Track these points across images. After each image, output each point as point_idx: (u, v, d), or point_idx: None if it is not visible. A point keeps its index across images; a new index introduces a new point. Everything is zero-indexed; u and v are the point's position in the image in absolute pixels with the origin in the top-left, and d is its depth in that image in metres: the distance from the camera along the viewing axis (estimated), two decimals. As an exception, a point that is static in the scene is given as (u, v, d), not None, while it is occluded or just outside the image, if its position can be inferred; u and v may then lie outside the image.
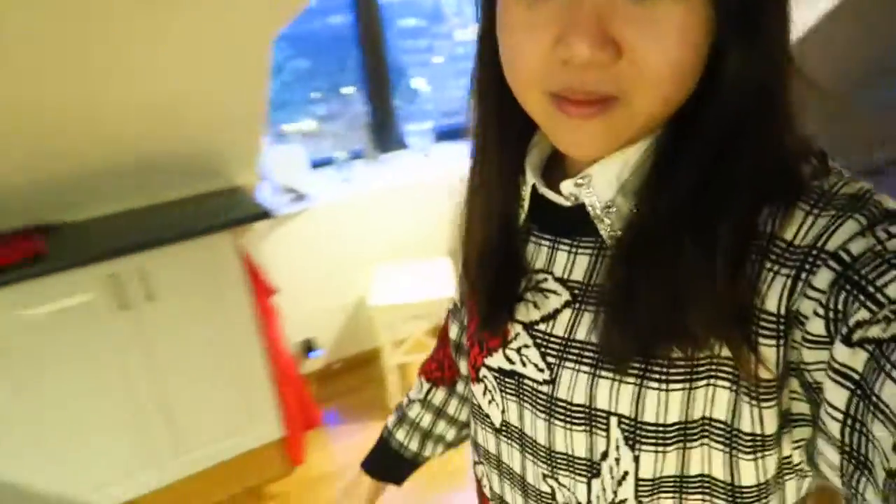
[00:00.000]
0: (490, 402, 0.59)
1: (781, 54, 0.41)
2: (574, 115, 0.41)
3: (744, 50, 0.40)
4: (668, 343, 0.43)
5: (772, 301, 0.41)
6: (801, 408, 0.42)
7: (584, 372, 0.48)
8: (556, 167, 0.55)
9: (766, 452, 0.44)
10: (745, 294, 0.41)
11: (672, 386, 0.45)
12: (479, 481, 0.67)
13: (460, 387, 0.79)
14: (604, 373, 0.47)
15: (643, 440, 0.46)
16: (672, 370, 0.44)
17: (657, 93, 0.40)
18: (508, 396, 0.56)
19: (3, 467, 1.72)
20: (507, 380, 0.56)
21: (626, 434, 0.47)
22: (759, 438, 0.44)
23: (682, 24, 0.38)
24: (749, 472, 0.45)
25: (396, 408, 0.84)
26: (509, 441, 0.57)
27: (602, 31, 0.38)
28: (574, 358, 0.49)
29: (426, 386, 0.81)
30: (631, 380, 0.46)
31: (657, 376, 0.45)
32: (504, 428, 0.58)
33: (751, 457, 0.45)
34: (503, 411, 0.57)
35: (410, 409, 0.81)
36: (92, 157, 1.79)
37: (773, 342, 0.41)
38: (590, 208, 0.48)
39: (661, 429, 0.46)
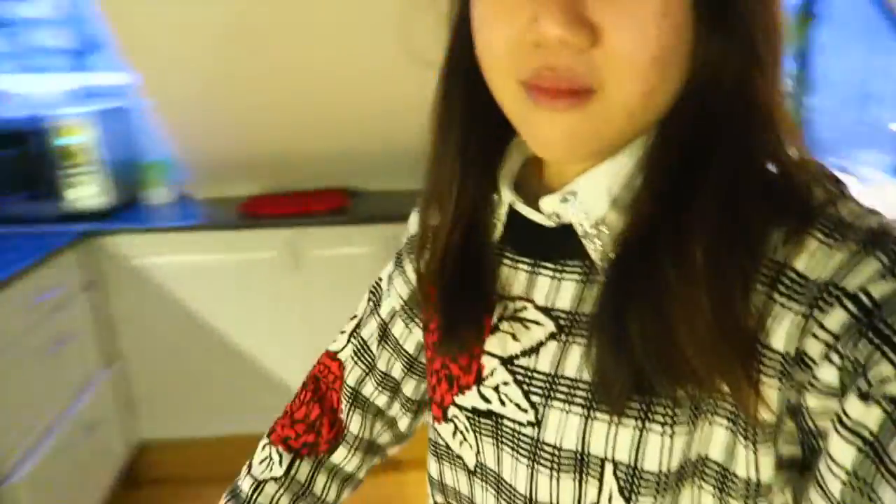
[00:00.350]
0: (462, 443, 0.52)
1: (768, 53, 0.38)
2: (546, 107, 0.38)
3: (722, 40, 0.37)
4: (671, 381, 0.39)
5: (778, 338, 0.37)
6: (793, 451, 0.39)
7: (576, 413, 0.43)
8: (534, 181, 0.50)
9: (759, 501, 0.40)
10: (749, 327, 0.37)
11: (678, 429, 0.40)
12: None
13: (338, 455, 0.65)
14: (599, 414, 0.42)
15: (641, 489, 0.42)
16: (678, 410, 0.40)
17: (636, 84, 0.37)
18: (484, 438, 0.50)
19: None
20: (482, 420, 0.49)
21: (623, 483, 0.42)
22: (753, 485, 0.39)
23: (662, 7, 0.35)
24: None
25: (228, 492, 0.65)
26: (484, 484, 0.51)
27: (577, 13, 0.35)
28: (563, 397, 0.44)
29: (286, 457, 0.64)
30: (630, 422, 0.41)
31: (660, 418, 0.40)
32: (478, 471, 0.51)
33: (743, 501, 0.40)
34: (478, 453, 0.51)
35: (260, 491, 0.63)
36: (395, 139, 2.19)
37: (777, 382, 0.37)
38: (577, 227, 0.44)
39: (663, 477, 0.41)
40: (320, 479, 0.65)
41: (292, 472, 0.64)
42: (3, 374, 1.60)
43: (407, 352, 0.63)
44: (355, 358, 0.65)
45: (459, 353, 0.51)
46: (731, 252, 0.37)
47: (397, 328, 0.63)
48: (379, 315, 0.65)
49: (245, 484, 0.64)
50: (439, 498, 0.58)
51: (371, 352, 0.65)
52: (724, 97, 0.38)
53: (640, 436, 0.41)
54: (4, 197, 2.04)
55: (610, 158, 0.42)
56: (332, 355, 0.68)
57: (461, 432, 0.52)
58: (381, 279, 0.66)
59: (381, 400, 0.65)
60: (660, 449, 0.41)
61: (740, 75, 0.37)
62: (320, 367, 0.68)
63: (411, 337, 0.63)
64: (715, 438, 0.40)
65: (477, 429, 0.50)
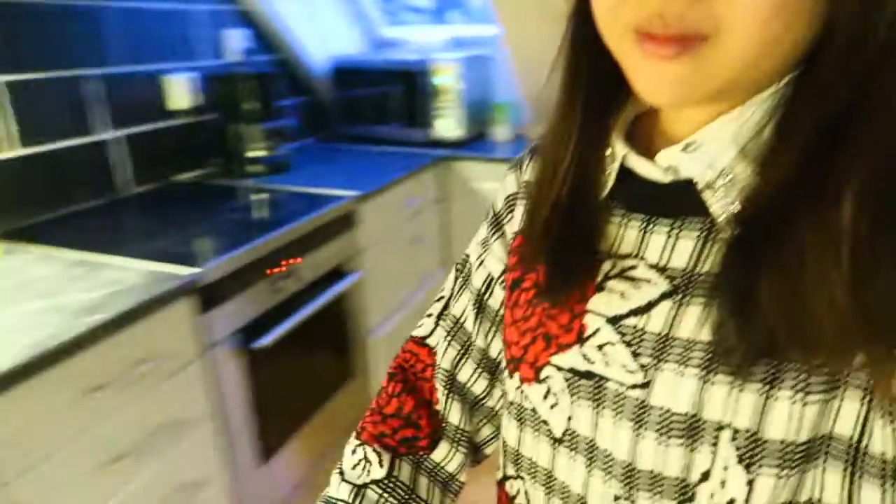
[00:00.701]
0: (553, 406, 0.50)
1: None
2: (653, 56, 0.36)
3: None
4: (802, 349, 0.37)
5: None
6: None
7: (691, 376, 0.41)
8: (648, 137, 0.48)
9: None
10: (890, 292, 0.34)
11: (810, 398, 0.37)
12: (510, 499, 0.57)
13: (440, 452, 0.60)
14: (719, 377, 0.40)
15: (763, 460, 0.39)
16: (813, 378, 0.37)
17: (756, 32, 0.34)
18: (581, 401, 0.48)
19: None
20: (581, 381, 0.47)
21: (742, 452, 0.39)
22: (890, 463, 0.36)
23: None
24: (873, 503, 0.37)
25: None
26: (572, 454, 0.49)
27: None
28: (676, 358, 0.42)
29: (385, 457, 0.58)
30: (755, 386, 0.39)
31: (792, 383, 0.38)
32: (567, 438, 0.49)
33: (878, 482, 0.37)
34: (570, 418, 0.49)
35: (362, 497, 0.57)
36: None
37: None
38: (699, 180, 0.42)
39: (789, 448, 0.38)
40: (422, 482, 0.60)
41: (395, 472, 0.58)
42: (381, 257, 2.13)
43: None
44: (449, 338, 0.62)
45: (560, 308, 0.49)
46: (883, 221, 0.34)
47: (496, 298, 0.60)
48: (472, 287, 0.61)
49: (342, 491, 0.57)
50: (511, 470, 0.56)
51: (466, 330, 0.61)
52: (870, 50, 0.34)
53: (766, 401, 0.38)
54: (391, 123, 2.61)
55: (738, 107, 0.40)
56: (418, 341, 0.64)
57: (554, 394, 0.50)
58: (467, 254, 0.63)
59: (479, 386, 0.61)
60: (787, 417, 0.38)
61: (890, 26, 0.33)
62: (406, 356, 0.64)
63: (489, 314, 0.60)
64: (845, 414, 0.37)
65: (575, 391, 0.48)
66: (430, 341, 0.64)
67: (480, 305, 0.60)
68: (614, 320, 0.46)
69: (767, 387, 0.38)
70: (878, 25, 0.33)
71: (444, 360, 0.61)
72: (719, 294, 0.40)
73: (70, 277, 1.29)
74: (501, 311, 0.59)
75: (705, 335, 0.41)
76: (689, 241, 0.43)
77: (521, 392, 0.53)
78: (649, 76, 0.38)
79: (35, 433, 1.04)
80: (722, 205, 0.41)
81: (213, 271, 1.37)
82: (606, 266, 0.47)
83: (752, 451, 0.39)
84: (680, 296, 0.43)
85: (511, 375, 0.54)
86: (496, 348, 0.61)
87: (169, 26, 2.02)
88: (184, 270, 1.32)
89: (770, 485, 0.39)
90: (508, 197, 0.60)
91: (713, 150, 0.41)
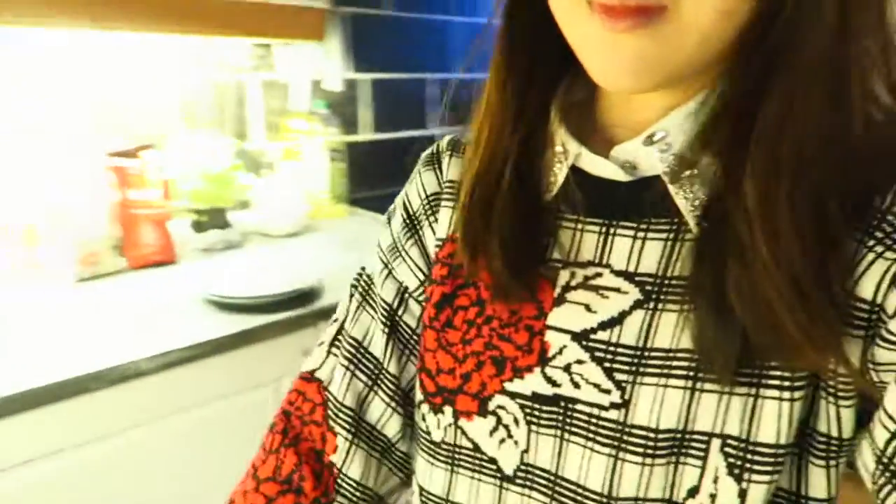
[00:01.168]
0: (502, 441, 0.43)
1: None
2: (608, 28, 0.33)
3: None
4: (769, 345, 0.35)
5: (867, 286, 0.34)
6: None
7: (676, 387, 0.38)
8: (594, 126, 0.43)
9: (840, 460, 0.37)
10: (835, 283, 0.34)
11: (797, 394, 0.36)
12: None
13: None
14: (707, 385, 0.37)
15: (756, 467, 0.36)
16: (797, 372, 0.36)
17: (713, 3, 0.32)
18: (542, 430, 0.42)
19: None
20: (544, 408, 0.42)
21: (732, 461, 0.36)
22: (834, 442, 0.37)
23: None
24: (819, 482, 0.37)
25: None
26: (527, 492, 0.43)
27: None
28: (657, 371, 0.38)
29: None
30: (743, 390, 0.36)
31: (776, 382, 0.36)
32: (521, 475, 0.43)
33: (822, 462, 0.37)
34: (525, 451, 0.43)
35: None
36: None
37: (862, 333, 0.34)
38: (664, 175, 0.38)
39: (780, 450, 0.36)
40: None
41: None
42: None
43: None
44: (350, 367, 0.51)
45: (514, 326, 0.43)
46: (816, 203, 0.33)
47: (412, 314, 0.51)
48: (379, 303, 0.51)
49: None
50: None
51: (372, 355, 0.51)
52: (805, 28, 0.32)
53: (754, 403, 0.36)
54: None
55: (694, 95, 0.38)
56: (306, 376, 0.53)
57: (505, 426, 0.43)
58: (363, 267, 0.55)
59: (392, 426, 0.51)
60: (777, 416, 0.36)
61: (819, 8, 0.32)
62: (290, 397, 0.53)
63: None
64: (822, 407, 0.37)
65: (535, 420, 0.42)
66: (320, 374, 0.52)
67: (392, 324, 0.51)
68: (582, 336, 0.41)
69: (755, 388, 0.36)
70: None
71: (346, 395, 0.50)
72: (694, 299, 0.37)
73: (395, 240, 1.53)
74: (419, 331, 0.50)
75: (686, 343, 0.37)
76: (657, 243, 0.39)
77: (456, 429, 0.45)
78: (604, 52, 0.35)
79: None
80: (690, 202, 0.38)
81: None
82: (564, 276, 0.42)
83: (743, 458, 0.36)
84: (653, 304, 0.39)
85: (436, 411, 0.46)
86: (407, 377, 0.51)
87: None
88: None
89: (762, 492, 0.36)
90: (429, 196, 0.51)
91: (678, 142, 0.38)
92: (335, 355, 0.52)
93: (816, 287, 0.33)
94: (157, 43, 1.49)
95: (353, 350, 0.51)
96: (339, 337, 0.53)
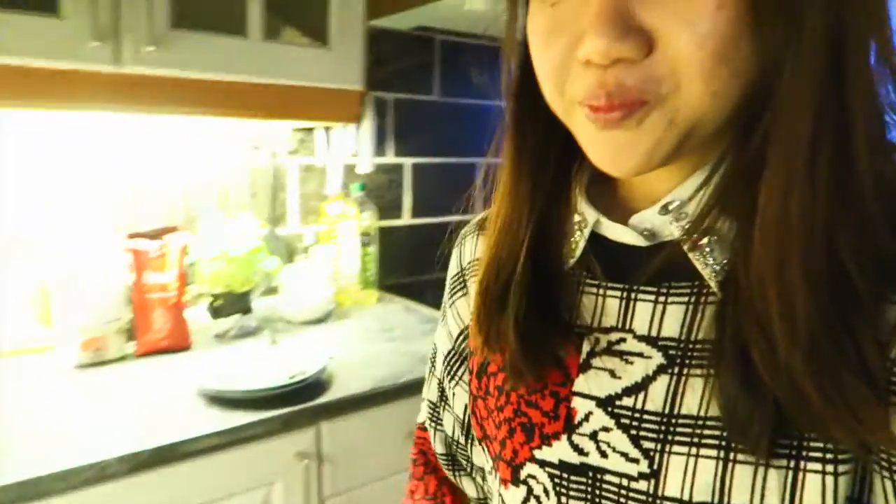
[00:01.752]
0: None
1: (855, 48, 0.32)
2: (602, 126, 0.35)
3: (783, 31, 0.32)
4: (810, 425, 0.33)
5: None
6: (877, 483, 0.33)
7: (708, 456, 0.36)
8: (614, 196, 0.45)
9: None
10: (873, 340, 0.32)
11: (842, 467, 0.33)
12: None
13: None
14: (741, 456, 0.35)
15: None
16: (840, 445, 0.33)
17: (703, 85, 0.33)
18: (572, 501, 0.42)
19: None
20: (573, 478, 0.42)
21: None
22: None
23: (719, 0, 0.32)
24: None
25: None
26: None
27: (624, 21, 0.33)
28: (685, 440, 0.37)
29: None
30: (781, 462, 0.34)
31: (818, 454, 0.34)
32: None
33: None
34: None
35: None
36: None
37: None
38: (683, 241, 0.38)
39: None
40: None
41: None
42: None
43: (457, 414, 0.56)
44: (433, 423, 0.60)
45: (541, 393, 0.44)
46: (833, 268, 0.32)
47: (449, 386, 0.57)
48: (437, 371, 0.59)
49: None
50: None
51: (438, 415, 0.59)
52: (800, 95, 0.32)
53: (794, 477, 0.34)
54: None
55: (707, 161, 0.38)
56: (419, 426, 0.64)
57: (536, 497, 0.44)
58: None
59: (479, 460, 0.56)
60: (820, 492, 0.33)
61: (808, 72, 0.32)
62: (418, 441, 0.63)
63: (455, 398, 0.55)
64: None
65: (564, 490, 0.42)
66: (426, 424, 0.62)
67: (442, 393, 0.57)
68: (607, 402, 0.41)
69: (794, 461, 0.34)
70: (795, 67, 0.32)
71: (437, 444, 0.59)
72: (718, 365, 0.36)
73: (422, 330, 1.44)
74: (451, 401, 0.56)
75: (715, 410, 0.36)
76: (679, 307, 0.39)
77: (500, 497, 0.47)
78: (599, 147, 0.37)
79: (359, 460, 1.14)
80: (710, 266, 0.38)
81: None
82: (589, 342, 0.43)
83: None
84: (678, 368, 0.39)
85: (494, 474, 0.48)
86: (458, 433, 0.57)
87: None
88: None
89: None
90: (452, 277, 0.57)
91: (693, 209, 0.39)
92: (427, 408, 0.60)
93: (842, 356, 0.32)
94: (197, 124, 1.51)
95: (431, 409, 0.59)
96: (427, 394, 0.61)
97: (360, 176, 1.76)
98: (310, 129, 1.69)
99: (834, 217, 0.32)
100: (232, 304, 1.38)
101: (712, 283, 0.37)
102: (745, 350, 0.34)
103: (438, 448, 0.59)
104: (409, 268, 1.90)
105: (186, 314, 1.31)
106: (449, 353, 0.56)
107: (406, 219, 1.89)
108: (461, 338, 0.55)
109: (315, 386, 1.10)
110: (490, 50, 1.95)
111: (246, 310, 1.41)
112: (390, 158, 1.84)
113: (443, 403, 0.57)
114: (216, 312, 1.37)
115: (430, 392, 0.60)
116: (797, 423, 0.33)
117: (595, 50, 0.33)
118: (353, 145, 1.65)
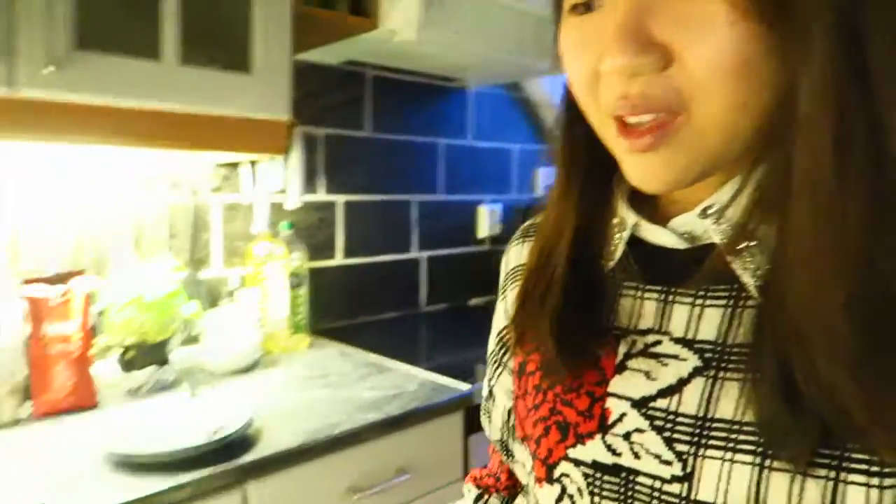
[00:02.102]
0: None
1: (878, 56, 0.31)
2: (634, 148, 0.37)
3: (797, 47, 0.32)
4: (852, 435, 0.32)
5: None
6: None
7: (744, 462, 0.36)
8: (655, 202, 0.46)
9: None
10: None
11: (888, 481, 0.32)
12: None
13: (518, 501, 0.58)
14: (777, 463, 0.34)
15: None
16: (886, 453, 0.32)
17: (724, 98, 0.34)
18: (605, 501, 0.41)
19: None
20: (606, 478, 0.41)
21: None
22: None
23: (729, 16, 0.32)
24: None
25: None
26: None
27: (643, 37, 0.34)
28: (720, 444, 0.37)
29: (473, 491, 0.63)
30: (822, 472, 0.33)
31: (862, 466, 0.32)
32: None
33: None
34: None
35: None
36: None
37: None
38: (722, 244, 0.39)
39: None
40: None
41: (483, 499, 0.63)
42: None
43: (503, 404, 0.56)
44: (485, 413, 0.61)
45: (577, 392, 0.44)
46: (873, 279, 0.31)
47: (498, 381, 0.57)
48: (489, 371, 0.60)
49: None
50: None
51: (490, 406, 0.60)
52: (824, 104, 0.32)
53: (835, 489, 0.33)
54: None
55: (750, 165, 0.38)
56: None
57: (570, 496, 0.43)
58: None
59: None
60: None
61: (824, 81, 0.32)
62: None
63: (500, 379, 0.55)
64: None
65: (597, 489, 0.42)
66: (481, 410, 0.63)
67: (490, 391, 0.58)
68: (641, 403, 0.41)
69: (835, 472, 0.33)
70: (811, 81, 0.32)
71: (493, 432, 0.59)
72: (757, 373, 0.35)
73: (359, 375, 1.34)
74: (496, 401, 0.56)
75: (751, 415, 0.36)
76: (717, 310, 0.40)
77: (535, 495, 0.47)
78: (635, 168, 0.38)
79: (295, 523, 1.02)
80: (750, 269, 0.38)
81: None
82: (626, 343, 0.43)
83: None
84: (713, 371, 0.39)
85: (530, 472, 0.48)
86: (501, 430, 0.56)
87: (490, 162, 2.18)
88: (459, 386, 1.27)
89: None
90: (507, 273, 0.58)
91: (734, 211, 0.39)
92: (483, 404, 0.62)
93: (886, 377, 0.31)
94: (109, 157, 1.38)
95: (484, 401, 0.60)
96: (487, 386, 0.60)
97: (289, 214, 1.66)
98: (234, 165, 1.59)
99: (872, 230, 0.31)
100: (146, 355, 1.24)
101: (752, 289, 0.37)
102: (784, 361, 0.33)
103: (493, 436, 0.59)
104: (342, 310, 1.80)
105: (93, 369, 1.16)
106: (499, 340, 0.57)
107: (339, 259, 1.79)
108: (503, 333, 0.56)
109: (240, 443, 0.98)
110: (422, 86, 1.94)
111: (162, 361, 1.27)
112: (321, 196, 1.75)
113: (490, 397, 0.58)
114: (128, 365, 1.23)
115: (486, 381, 0.60)
116: (840, 435, 0.32)
117: (614, 65, 0.35)
118: (281, 181, 1.56)
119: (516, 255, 0.57)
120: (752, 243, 0.38)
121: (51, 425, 1.06)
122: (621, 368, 0.42)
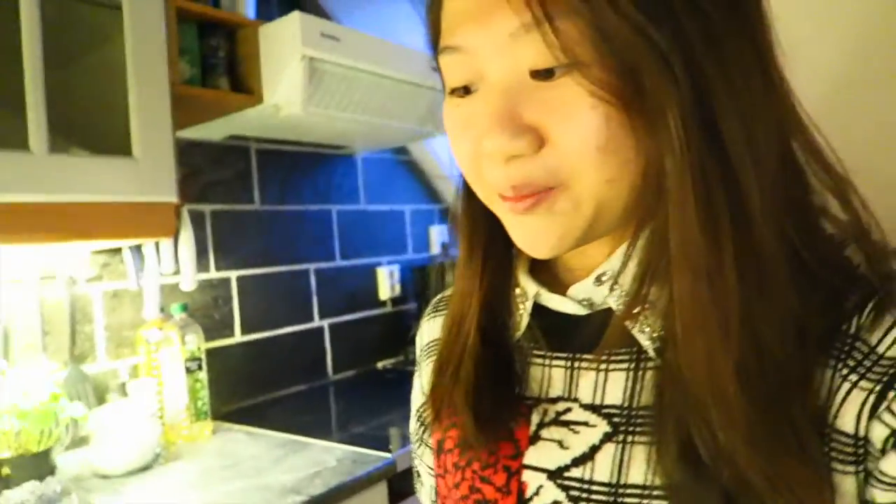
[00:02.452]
0: None
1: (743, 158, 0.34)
2: (514, 212, 0.38)
3: (653, 127, 0.34)
4: (759, 496, 0.32)
5: (847, 420, 0.33)
6: None
7: None
8: (553, 270, 0.47)
9: None
10: (804, 422, 0.33)
11: None
12: None
13: None
14: None
15: None
16: None
17: (594, 174, 0.35)
18: None
19: None
20: None
21: None
22: None
23: (589, 100, 0.34)
24: None
25: None
26: None
27: (515, 119, 0.36)
28: None
29: None
30: None
31: None
32: None
33: None
34: None
35: None
36: None
37: (852, 468, 0.33)
38: (618, 309, 0.40)
39: None
40: None
41: None
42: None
43: (427, 484, 0.56)
44: (417, 491, 0.61)
45: (494, 467, 0.43)
46: (762, 340, 0.33)
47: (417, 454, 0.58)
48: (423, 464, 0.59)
49: None
50: None
51: (417, 487, 0.60)
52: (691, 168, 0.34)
53: None
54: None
55: (633, 233, 0.39)
56: None
57: None
58: None
59: None
60: None
61: (683, 160, 0.34)
62: None
63: (423, 457, 0.55)
64: None
65: None
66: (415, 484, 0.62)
67: (417, 471, 0.58)
68: (556, 474, 0.41)
69: None
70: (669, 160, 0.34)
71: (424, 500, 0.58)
72: (660, 437, 0.36)
73: (274, 457, 1.27)
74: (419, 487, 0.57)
75: (660, 480, 0.36)
76: (620, 374, 0.40)
77: None
78: (518, 231, 0.40)
79: None
80: (647, 334, 0.39)
81: (404, 459, 1.27)
82: (538, 413, 0.43)
83: None
84: (622, 436, 0.39)
85: None
86: None
87: (384, 225, 2.20)
88: (379, 455, 1.24)
89: None
90: (421, 350, 0.58)
91: (625, 280, 0.40)
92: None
93: (780, 440, 0.31)
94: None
95: (415, 475, 0.58)
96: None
97: (182, 296, 1.58)
98: (115, 251, 1.50)
99: (749, 295, 0.33)
100: (27, 468, 1.12)
101: (650, 351, 0.38)
102: (684, 426, 0.34)
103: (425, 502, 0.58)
104: (247, 390, 1.72)
105: (-36, 493, 1.03)
106: (418, 411, 0.56)
107: (238, 336, 1.72)
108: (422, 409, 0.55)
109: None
110: (310, 155, 1.94)
111: (47, 472, 1.14)
112: (213, 273, 1.69)
113: (418, 476, 0.58)
114: (6, 484, 1.10)
115: (412, 459, 0.60)
116: (742, 502, 0.33)
117: (492, 147, 0.36)
118: (171, 263, 1.49)
119: (429, 330, 0.57)
120: (646, 306, 0.38)
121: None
122: (535, 439, 0.43)
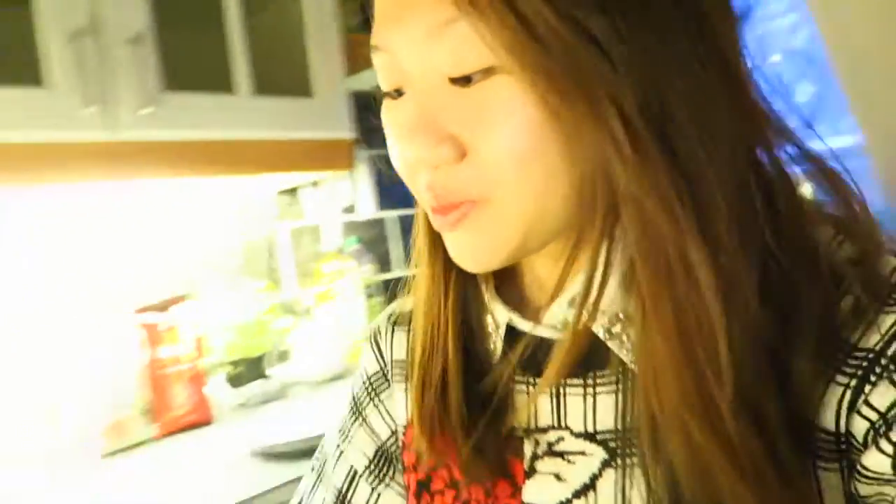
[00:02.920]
0: None
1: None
2: (443, 225, 0.36)
3: (586, 128, 0.31)
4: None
5: (829, 416, 0.32)
6: None
7: None
8: (522, 284, 0.43)
9: None
10: (801, 407, 0.31)
11: None
12: None
13: None
14: None
15: None
16: None
17: (519, 184, 0.32)
18: None
19: None
20: None
21: None
22: None
23: (507, 106, 0.32)
24: None
25: None
26: None
27: (435, 127, 0.33)
28: None
29: None
30: None
31: None
32: None
33: None
34: None
35: None
36: None
37: (836, 465, 0.32)
38: (598, 329, 0.36)
39: None
40: None
41: None
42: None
43: None
44: None
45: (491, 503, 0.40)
46: (745, 350, 0.30)
47: (360, 496, 0.49)
48: (331, 484, 0.50)
49: None
50: None
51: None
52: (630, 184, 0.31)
53: None
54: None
55: (596, 242, 0.35)
56: None
57: None
58: (322, 445, 0.53)
59: None
60: None
61: (634, 160, 0.30)
62: None
63: (381, 500, 0.48)
64: None
65: None
66: None
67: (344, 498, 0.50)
68: None
69: None
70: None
71: None
72: (645, 459, 0.34)
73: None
74: None
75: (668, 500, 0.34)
76: (608, 396, 0.37)
77: None
78: (449, 244, 0.37)
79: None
80: (630, 351, 0.36)
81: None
82: (530, 445, 0.40)
83: None
84: (621, 459, 0.36)
85: None
86: None
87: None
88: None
89: None
90: (370, 378, 0.51)
91: (600, 299, 0.35)
92: None
93: (764, 457, 0.30)
94: (183, 192, 1.46)
95: None
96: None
97: (357, 228, 1.73)
98: (293, 190, 1.67)
99: (725, 299, 0.30)
100: (249, 371, 1.30)
101: (633, 365, 0.35)
102: (664, 444, 0.32)
103: None
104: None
105: (206, 387, 1.22)
106: (377, 452, 0.49)
107: (399, 270, 1.85)
108: (390, 440, 0.49)
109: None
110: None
111: (263, 375, 1.33)
112: (376, 213, 1.82)
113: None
114: (235, 381, 1.29)
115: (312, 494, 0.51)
116: None
117: (412, 156, 0.35)
118: (348, 198, 1.63)
119: (397, 346, 0.51)
120: (625, 322, 0.36)
121: (178, 441, 1.12)
122: (531, 473, 0.39)
